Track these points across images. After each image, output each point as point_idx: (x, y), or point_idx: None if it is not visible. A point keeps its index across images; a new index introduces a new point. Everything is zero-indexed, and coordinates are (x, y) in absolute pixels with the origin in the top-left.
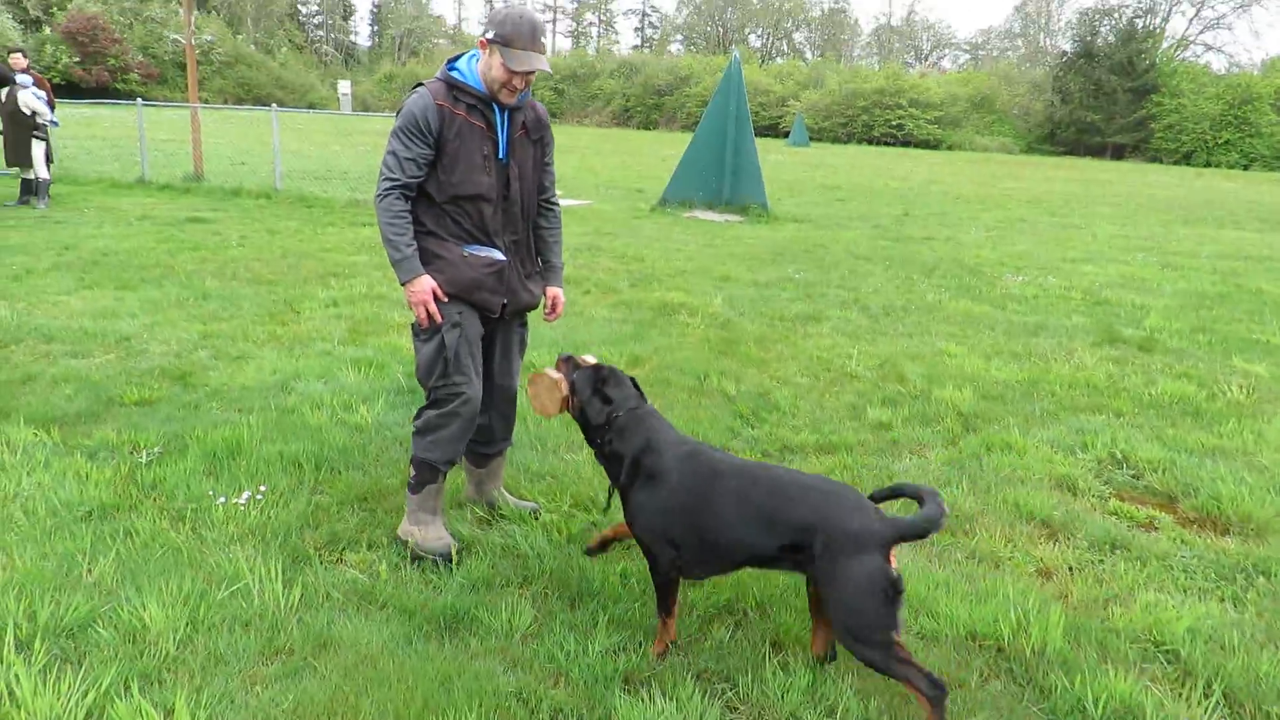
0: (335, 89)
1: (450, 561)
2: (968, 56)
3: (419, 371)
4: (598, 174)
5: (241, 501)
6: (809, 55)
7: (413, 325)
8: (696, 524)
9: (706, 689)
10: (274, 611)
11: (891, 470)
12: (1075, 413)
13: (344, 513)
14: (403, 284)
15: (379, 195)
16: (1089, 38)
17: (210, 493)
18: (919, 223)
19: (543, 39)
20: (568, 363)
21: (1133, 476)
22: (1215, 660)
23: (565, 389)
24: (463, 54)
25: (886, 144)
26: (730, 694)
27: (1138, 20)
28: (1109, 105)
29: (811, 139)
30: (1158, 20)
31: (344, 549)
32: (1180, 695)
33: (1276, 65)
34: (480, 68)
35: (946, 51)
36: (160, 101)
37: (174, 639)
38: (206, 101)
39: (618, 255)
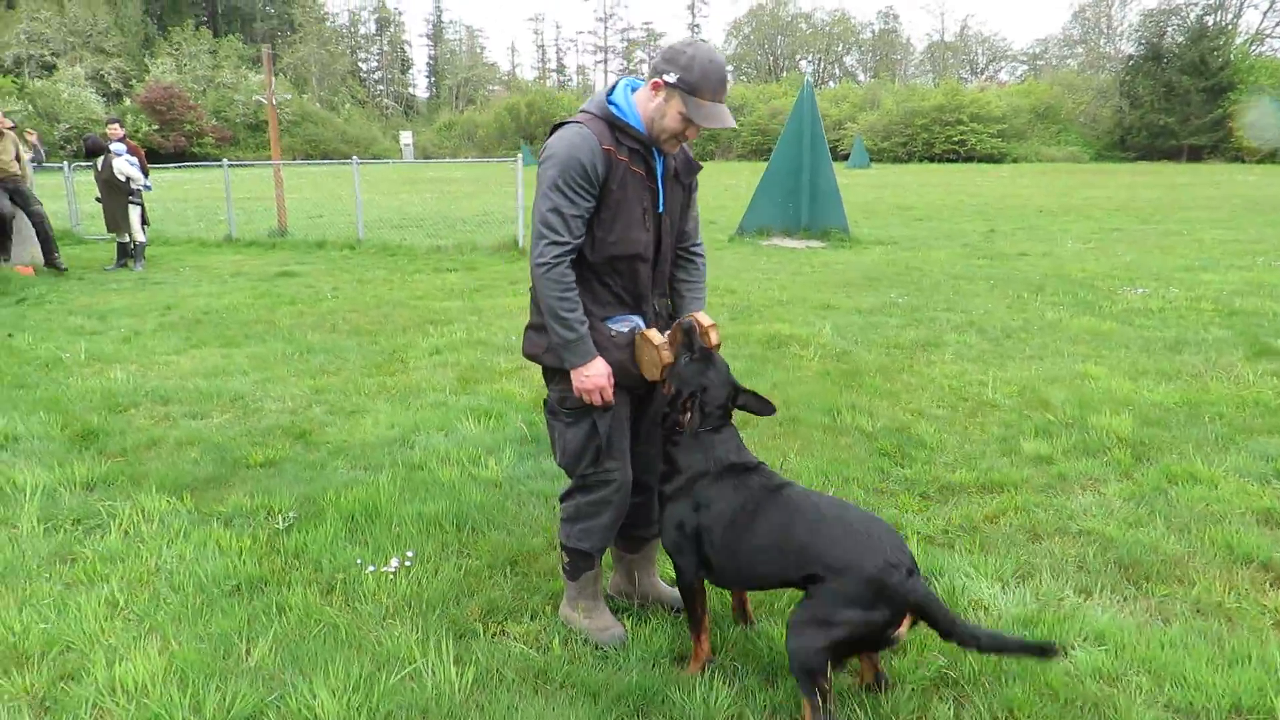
0: (397, 140)
1: (624, 647)
2: (1025, 67)
3: (563, 457)
4: None
5: (391, 569)
6: (861, 77)
7: (549, 404)
8: (732, 549)
9: None
10: (449, 697)
11: (1069, 509)
12: (1252, 436)
13: (496, 578)
14: (574, 368)
15: (544, 264)
16: (1156, 39)
17: (358, 561)
18: (1008, 238)
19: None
20: (688, 334)
21: None
22: None
23: (661, 373)
24: (615, 84)
25: (949, 161)
26: None
27: (1207, 18)
28: (1182, 107)
29: (871, 160)
30: (1229, 16)
31: (504, 619)
32: None
33: None
34: (648, 110)
35: (1003, 64)
36: (237, 161)
37: None
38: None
39: (708, 288)
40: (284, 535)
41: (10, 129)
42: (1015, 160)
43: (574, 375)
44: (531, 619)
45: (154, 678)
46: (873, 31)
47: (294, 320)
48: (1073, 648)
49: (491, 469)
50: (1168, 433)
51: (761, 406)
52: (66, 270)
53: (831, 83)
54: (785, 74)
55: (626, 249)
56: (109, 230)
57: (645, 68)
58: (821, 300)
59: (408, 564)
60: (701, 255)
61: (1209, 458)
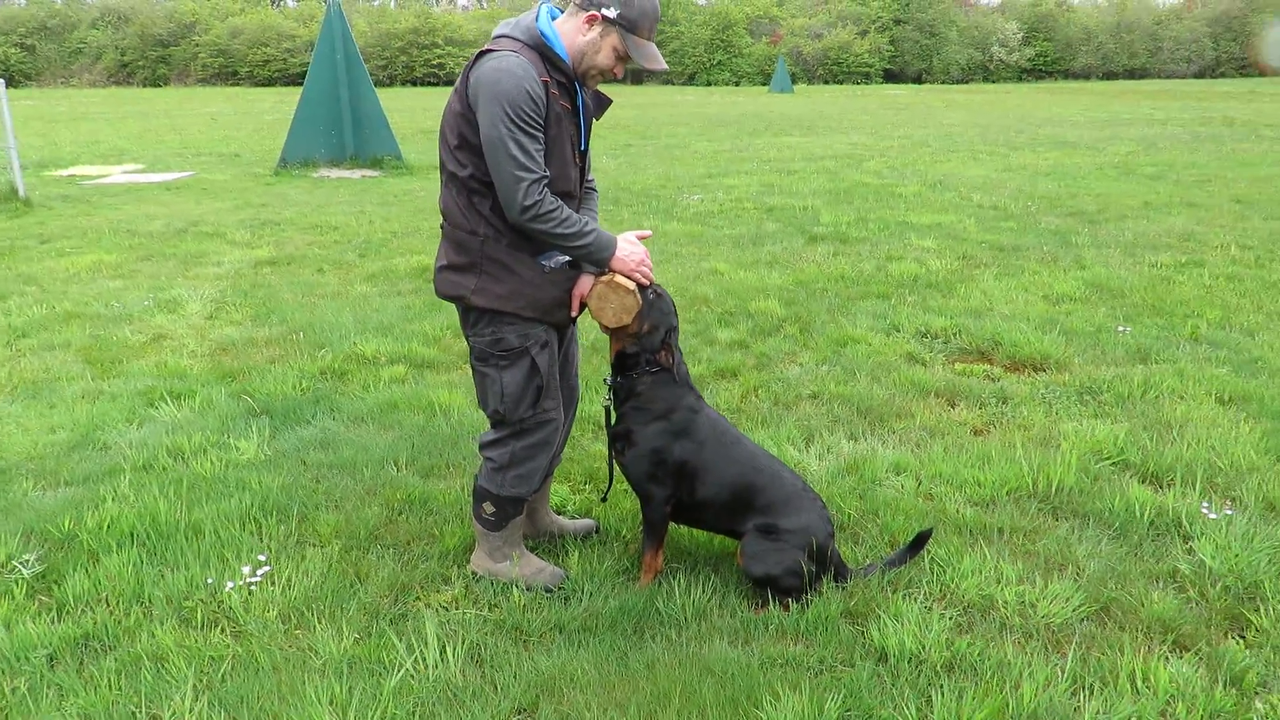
0: None
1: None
2: None
3: (500, 402)
4: (161, 140)
5: (255, 579)
6: None
7: (477, 350)
8: (706, 481)
9: (927, 606)
10: (459, 680)
11: (790, 380)
12: (855, 301)
13: (371, 558)
14: (610, 260)
15: (531, 205)
16: None
17: (208, 580)
18: None
19: None
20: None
21: (943, 343)
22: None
23: (633, 315)
24: (536, 10)
25: (430, 84)
26: (960, 615)
27: None
28: None
29: None
30: None
31: (419, 594)
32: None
33: None
34: (578, 43)
35: None
36: None
37: None
38: None
39: (304, 226)
40: (51, 580)
41: None
42: None
43: (616, 264)
44: (447, 585)
45: None
46: None
47: None
48: (888, 479)
49: (247, 450)
50: (804, 308)
51: None
52: None
53: (292, 1)
54: None
55: (561, 186)
56: None
57: None
58: (437, 228)
59: (265, 569)
60: (595, 188)
61: (849, 322)
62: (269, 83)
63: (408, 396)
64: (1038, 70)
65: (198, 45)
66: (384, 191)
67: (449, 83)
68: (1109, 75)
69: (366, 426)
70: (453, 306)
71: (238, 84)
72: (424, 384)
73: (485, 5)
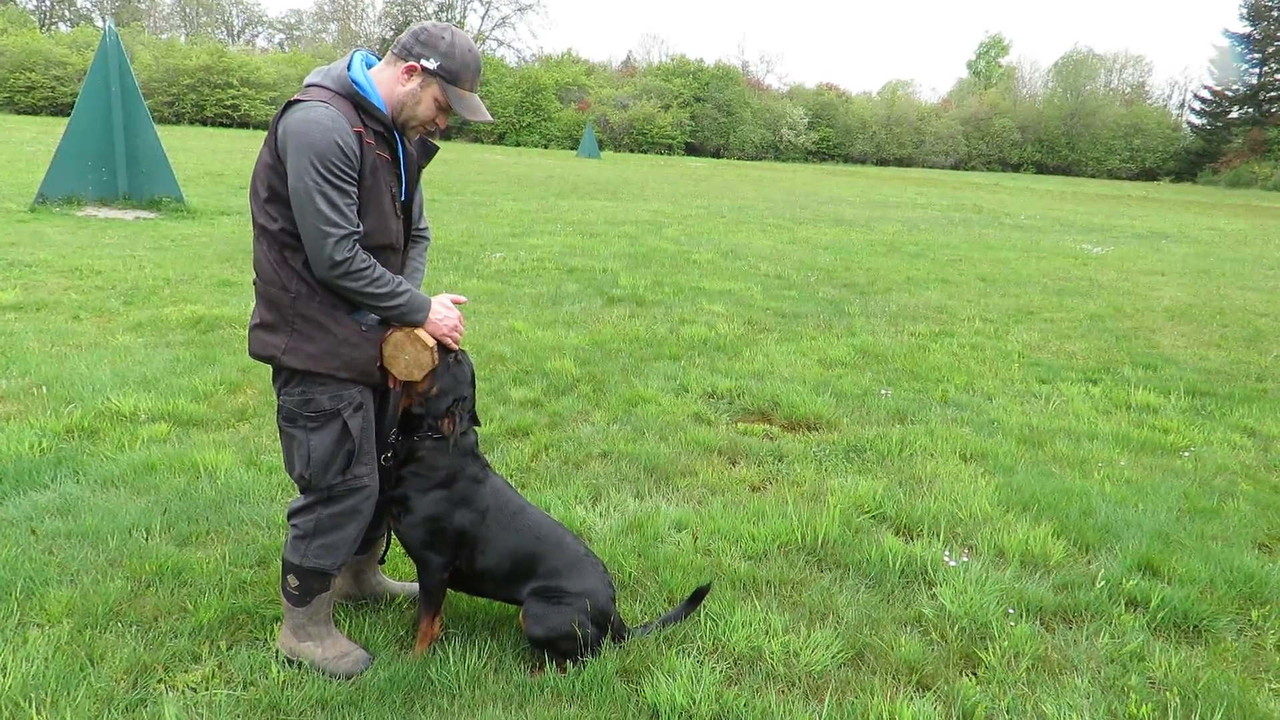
0: None
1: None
2: (283, 36)
3: (306, 467)
4: None
5: None
6: (99, 21)
7: (285, 410)
8: (486, 551)
9: (700, 660)
10: None
11: (581, 439)
12: (648, 362)
13: (109, 637)
14: (424, 322)
15: (341, 262)
16: (407, 25)
17: None
18: None
19: None
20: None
21: (728, 403)
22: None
23: (425, 373)
24: (350, 57)
25: (223, 125)
26: (730, 667)
27: (442, 14)
28: None
29: None
30: (457, 15)
31: (165, 674)
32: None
33: (551, 62)
34: (397, 94)
35: (260, 30)
36: None
37: None
38: None
39: (61, 269)
40: None
41: None
42: None
43: (429, 327)
44: (197, 664)
45: None
46: None
47: None
48: (669, 535)
49: None
50: (598, 367)
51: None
52: None
53: (62, 24)
54: (107, 18)
55: (380, 239)
56: None
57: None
58: (217, 276)
59: None
60: (428, 237)
61: (640, 382)
62: (33, 111)
63: (168, 457)
64: (821, 153)
65: None
66: (159, 235)
67: (243, 125)
68: (881, 162)
69: (117, 491)
70: (235, 362)
71: None
72: (189, 444)
73: (287, 49)
